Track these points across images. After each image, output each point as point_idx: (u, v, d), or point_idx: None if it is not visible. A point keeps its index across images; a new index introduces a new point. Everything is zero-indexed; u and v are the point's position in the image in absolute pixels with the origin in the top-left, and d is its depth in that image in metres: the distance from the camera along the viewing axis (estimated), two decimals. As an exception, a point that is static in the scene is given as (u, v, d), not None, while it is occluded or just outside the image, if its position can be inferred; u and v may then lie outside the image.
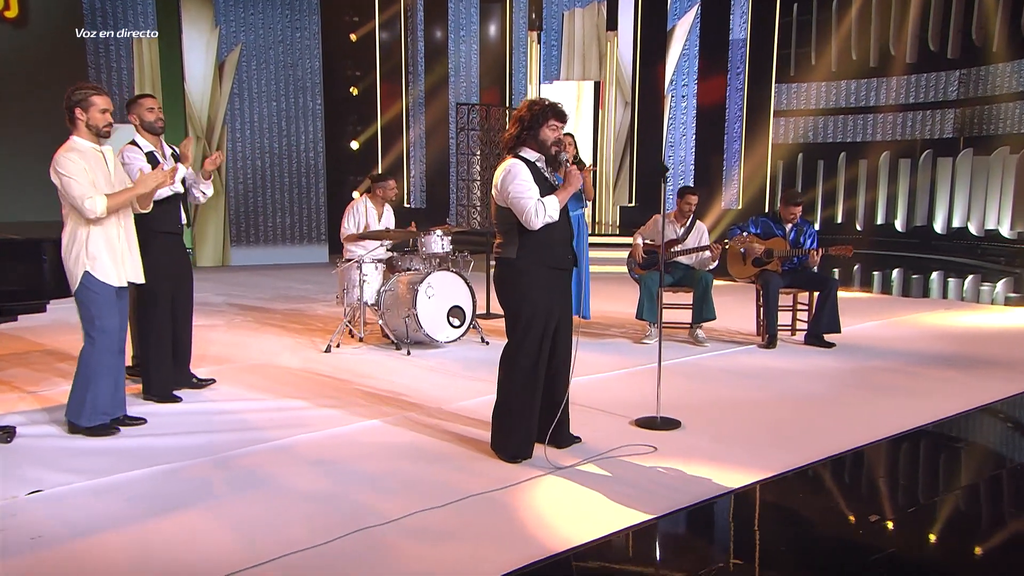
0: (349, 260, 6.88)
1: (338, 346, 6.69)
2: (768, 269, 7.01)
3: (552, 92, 16.09)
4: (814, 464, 4.01)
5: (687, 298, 7.19)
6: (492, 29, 15.53)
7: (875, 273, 11.38)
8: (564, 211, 3.96)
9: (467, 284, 6.75)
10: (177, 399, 5.02)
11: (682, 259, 7.15)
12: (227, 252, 14.08)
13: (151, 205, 4.55)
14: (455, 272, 6.75)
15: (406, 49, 15.20)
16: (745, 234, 7.11)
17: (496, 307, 8.53)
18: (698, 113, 14.52)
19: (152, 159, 4.91)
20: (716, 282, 7.13)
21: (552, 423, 4.00)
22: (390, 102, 14.73)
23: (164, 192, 4.83)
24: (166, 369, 5.03)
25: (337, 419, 4.67)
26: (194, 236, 13.60)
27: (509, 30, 15.25)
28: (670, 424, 4.57)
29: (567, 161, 3.98)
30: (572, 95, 16.40)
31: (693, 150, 14.67)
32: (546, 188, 3.92)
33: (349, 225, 7.19)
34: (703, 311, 6.91)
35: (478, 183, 13.60)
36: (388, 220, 7.40)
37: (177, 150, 5.16)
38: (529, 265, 3.89)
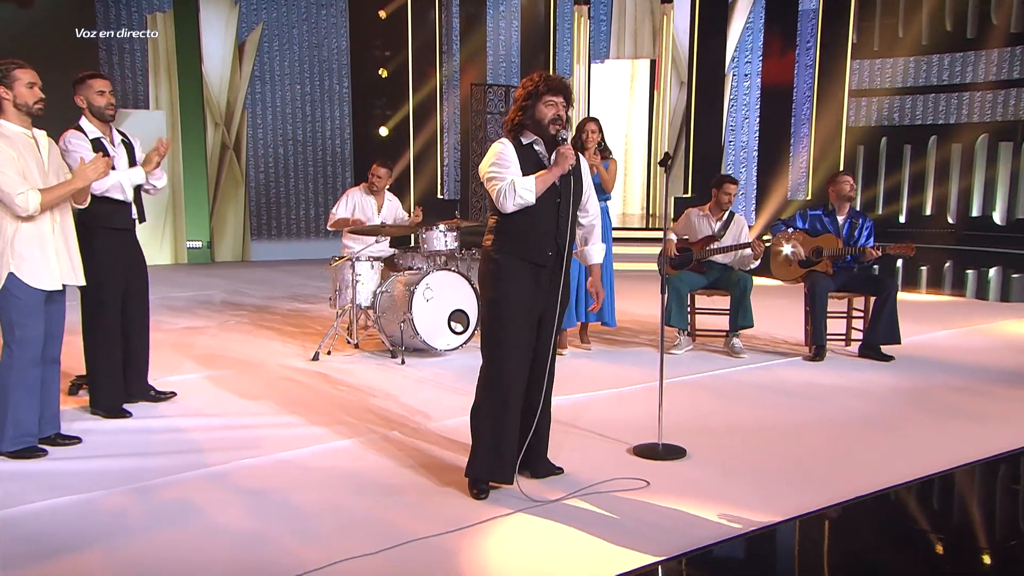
0: (342, 258, 6.63)
1: (328, 353, 6.45)
2: (816, 270, 6.52)
3: (603, 72, 15.66)
4: (839, 505, 3.57)
5: (724, 302, 6.75)
6: (534, 3, 15.16)
7: (968, 272, 10.57)
8: (552, 200, 3.62)
9: (472, 286, 6.44)
10: (126, 414, 4.82)
11: (719, 258, 6.72)
12: (247, 247, 14.05)
13: (87, 200, 4.35)
14: (458, 272, 6.45)
15: (440, 26, 14.93)
16: (790, 230, 6.63)
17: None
18: (762, 93, 13.90)
19: (99, 147, 4.70)
20: (760, 282, 6.67)
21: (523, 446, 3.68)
22: (422, 84, 14.49)
23: (115, 195, 4.63)
24: (115, 380, 4.84)
25: (294, 440, 4.42)
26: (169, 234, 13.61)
27: (553, 4, 14.87)
28: (674, 453, 4.18)
29: (564, 140, 3.64)
30: (625, 75, 15.95)
31: (756, 134, 14.07)
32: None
33: (339, 209, 6.94)
34: (740, 317, 6.47)
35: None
36: (391, 212, 7.14)
37: (129, 137, 4.95)
38: (503, 256, 3.63)
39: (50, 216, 4.09)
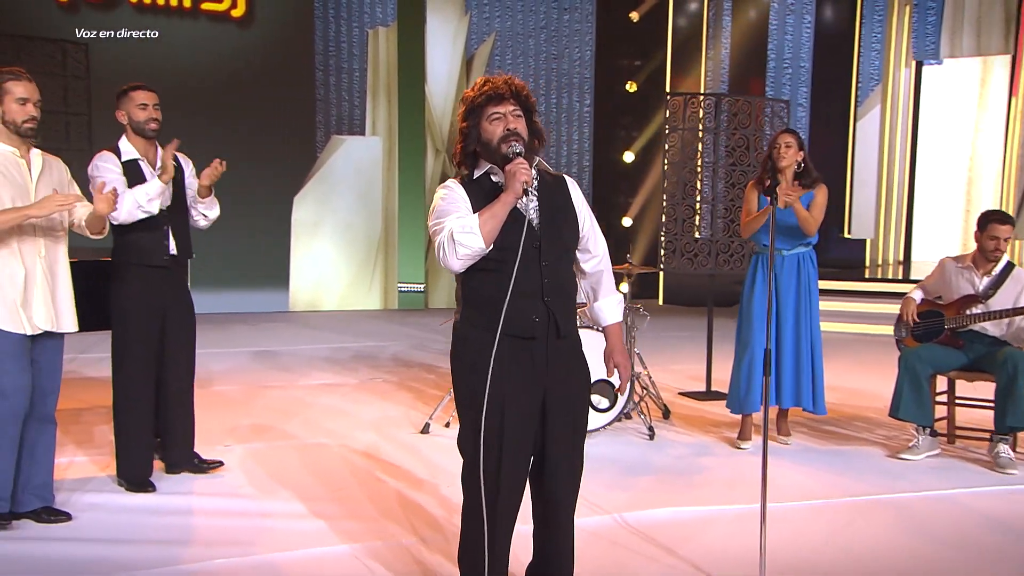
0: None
1: (447, 425, 6.08)
2: None
3: (939, 76, 14.09)
4: None
5: (988, 390, 5.53)
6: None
7: None
8: (530, 246, 3.01)
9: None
10: (150, 487, 4.72)
11: (988, 327, 5.54)
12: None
13: (105, 229, 4.35)
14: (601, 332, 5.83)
15: (707, 27, 14.33)
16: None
17: (684, 381, 7.42)
18: None
19: (134, 170, 4.69)
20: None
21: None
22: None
23: (136, 214, 4.57)
24: (140, 444, 4.78)
25: (307, 537, 4.13)
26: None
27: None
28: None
29: (516, 154, 3.02)
30: (973, 78, 14.13)
31: None
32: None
33: None
34: (1009, 415, 5.25)
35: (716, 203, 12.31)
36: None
37: (179, 158, 4.91)
38: (475, 332, 3.10)
39: (33, 249, 4.08)
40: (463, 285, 3.14)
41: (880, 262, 14.29)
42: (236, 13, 13.15)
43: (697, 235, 8.02)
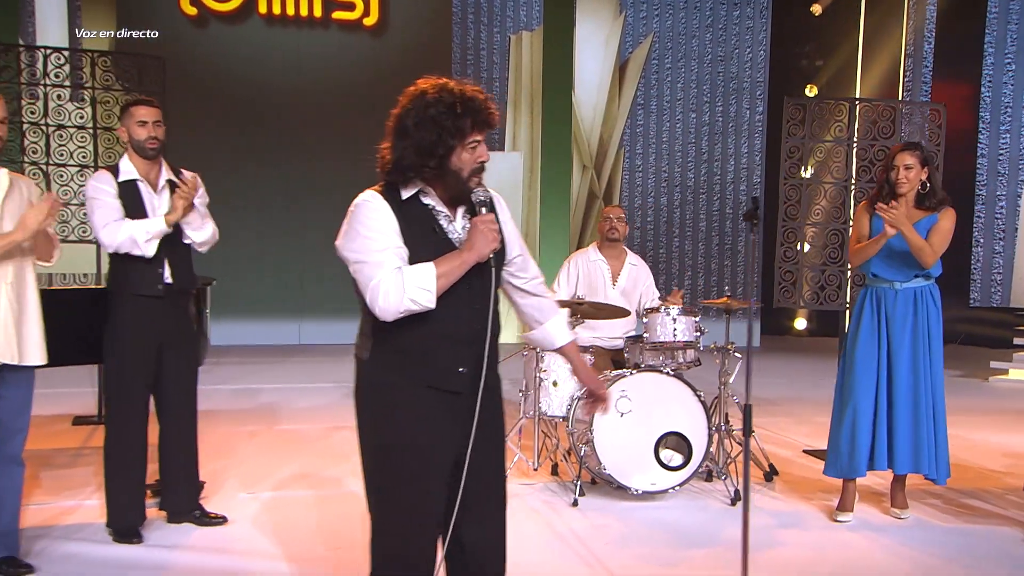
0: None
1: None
2: None
3: None
4: None
5: None
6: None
7: None
8: (463, 286, 2.90)
9: (699, 398, 5.52)
10: (137, 538, 4.78)
11: None
12: (618, 324, 13.97)
13: (52, 256, 4.45)
14: (678, 377, 5.57)
15: (908, 19, 13.61)
16: None
17: (819, 435, 6.93)
18: None
19: (130, 191, 4.79)
20: None
21: None
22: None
23: (129, 248, 4.66)
24: (129, 489, 4.83)
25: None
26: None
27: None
28: None
29: (484, 202, 2.97)
30: None
31: None
32: (431, 248, 2.93)
33: (560, 286, 6.49)
34: None
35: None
36: (635, 280, 6.50)
37: (185, 178, 4.98)
38: (394, 378, 2.97)
39: (3, 278, 4.21)
40: (384, 326, 2.91)
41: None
42: (368, 21, 13.51)
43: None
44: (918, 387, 5.18)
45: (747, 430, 3.66)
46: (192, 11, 12.93)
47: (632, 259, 6.67)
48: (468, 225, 2.96)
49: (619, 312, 6.05)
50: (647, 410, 5.52)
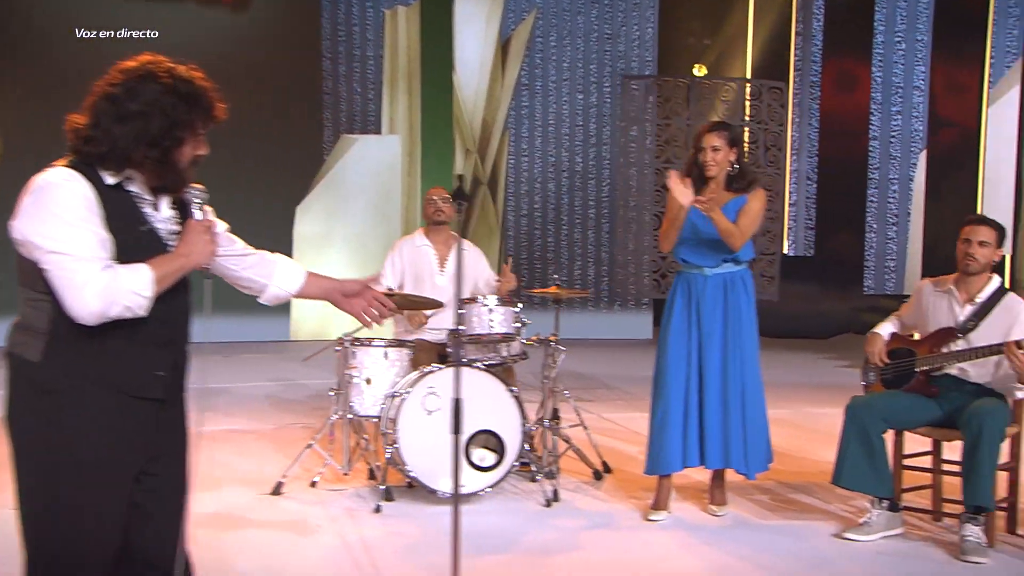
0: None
1: (313, 484, 5.90)
2: None
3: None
4: None
5: (957, 450, 5.01)
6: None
7: None
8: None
9: (512, 394, 5.53)
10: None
11: (968, 370, 5.02)
12: (501, 317, 13.96)
13: None
14: (491, 372, 5.58)
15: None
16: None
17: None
18: None
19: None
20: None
21: None
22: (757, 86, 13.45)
23: None
24: None
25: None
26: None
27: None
28: None
29: (200, 204, 2.95)
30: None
31: None
32: (138, 243, 2.82)
33: (385, 276, 6.43)
34: (968, 489, 4.76)
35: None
36: (465, 266, 6.45)
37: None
38: (65, 381, 2.79)
39: None
40: (52, 313, 2.73)
41: (1021, 280, 13.39)
42: (225, -2, 13.26)
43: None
44: (727, 378, 5.24)
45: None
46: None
47: (464, 244, 6.62)
48: (174, 215, 2.90)
49: (431, 304, 6.00)
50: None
